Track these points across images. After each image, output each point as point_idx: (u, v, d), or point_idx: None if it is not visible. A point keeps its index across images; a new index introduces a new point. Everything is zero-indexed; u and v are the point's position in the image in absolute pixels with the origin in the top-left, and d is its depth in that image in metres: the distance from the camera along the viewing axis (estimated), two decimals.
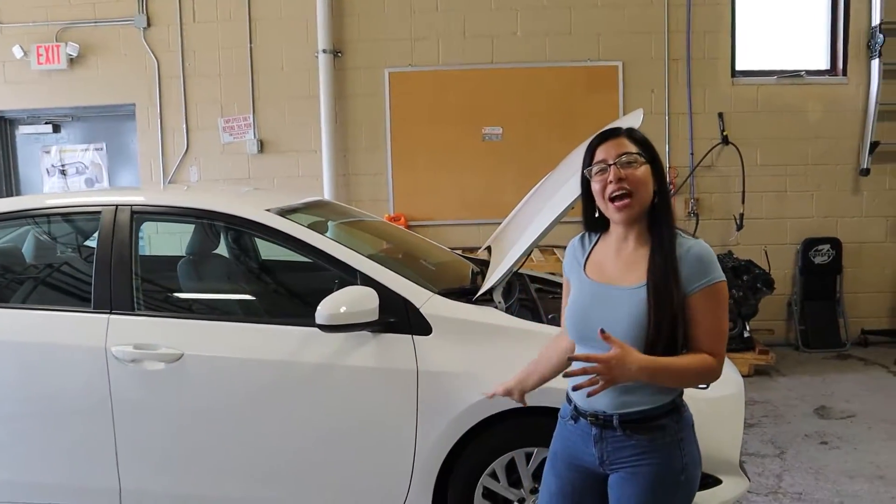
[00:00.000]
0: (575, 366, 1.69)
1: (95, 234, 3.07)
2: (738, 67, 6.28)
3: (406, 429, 2.75)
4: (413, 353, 2.75)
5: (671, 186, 6.18)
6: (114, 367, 2.83)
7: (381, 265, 2.89)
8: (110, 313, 2.91)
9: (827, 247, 6.20)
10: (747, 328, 5.61)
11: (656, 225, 1.83)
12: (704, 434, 2.81)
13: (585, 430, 1.89)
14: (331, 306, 2.62)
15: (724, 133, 6.12)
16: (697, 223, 6.21)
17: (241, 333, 2.86)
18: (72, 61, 6.18)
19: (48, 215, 3.31)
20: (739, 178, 6.15)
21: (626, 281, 1.83)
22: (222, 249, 3.72)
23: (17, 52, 6.16)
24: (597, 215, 1.94)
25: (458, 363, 2.74)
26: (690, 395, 2.80)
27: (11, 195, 6.50)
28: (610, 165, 1.82)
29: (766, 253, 6.09)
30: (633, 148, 1.84)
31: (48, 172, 6.50)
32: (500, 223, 6.03)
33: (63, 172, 6.48)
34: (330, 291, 2.73)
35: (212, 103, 6.15)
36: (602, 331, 1.68)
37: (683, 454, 1.83)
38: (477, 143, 6.07)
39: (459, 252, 4.35)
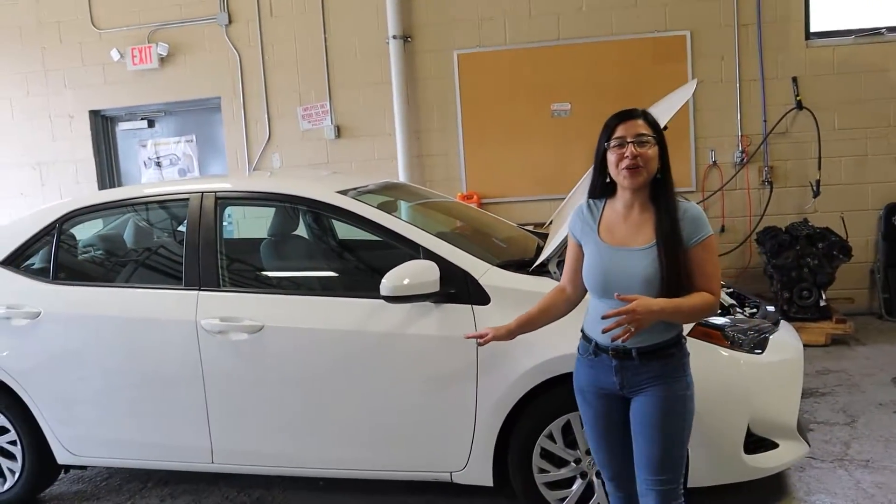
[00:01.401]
0: (609, 322, 2.09)
1: (185, 219, 3.39)
2: (813, 29, 6.11)
3: (467, 393, 2.95)
4: (473, 321, 2.93)
5: (744, 155, 6.11)
6: (203, 338, 3.15)
7: (443, 241, 3.08)
8: (199, 290, 3.23)
9: None
10: (823, 297, 5.52)
11: (661, 193, 2.20)
12: (761, 398, 2.94)
13: (607, 363, 2.25)
14: (395, 278, 2.84)
15: (798, 98, 6.00)
16: (771, 191, 6.13)
17: (316, 306, 3.12)
18: (162, 60, 6.62)
19: (145, 203, 3.67)
20: (815, 144, 6.02)
21: (636, 242, 2.20)
22: (301, 230, 4.00)
23: (115, 54, 6.64)
24: (608, 181, 2.27)
25: None
26: (749, 361, 2.92)
27: (114, 187, 7.04)
28: (628, 143, 2.15)
29: (842, 220, 5.96)
30: (647, 130, 2.17)
31: (145, 165, 7.00)
32: (565, 197, 6.19)
33: (158, 164, 6.96)
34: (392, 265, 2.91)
35: (291, 93, 6.47)
36: (617, 295, 2.09)
37: (686, 374, 2.25)
38: (546, 119, 6.17)
39: (529, 228, 4.48)
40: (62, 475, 3.79)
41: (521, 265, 3.18)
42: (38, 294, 3.45)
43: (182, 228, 3.49)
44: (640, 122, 2.18)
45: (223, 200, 3.40)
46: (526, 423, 2.97)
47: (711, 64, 6.10)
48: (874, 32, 5.99)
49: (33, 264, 3.62)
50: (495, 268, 3.05)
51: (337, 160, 6.43)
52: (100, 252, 3.80)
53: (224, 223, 3.44)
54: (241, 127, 6.56)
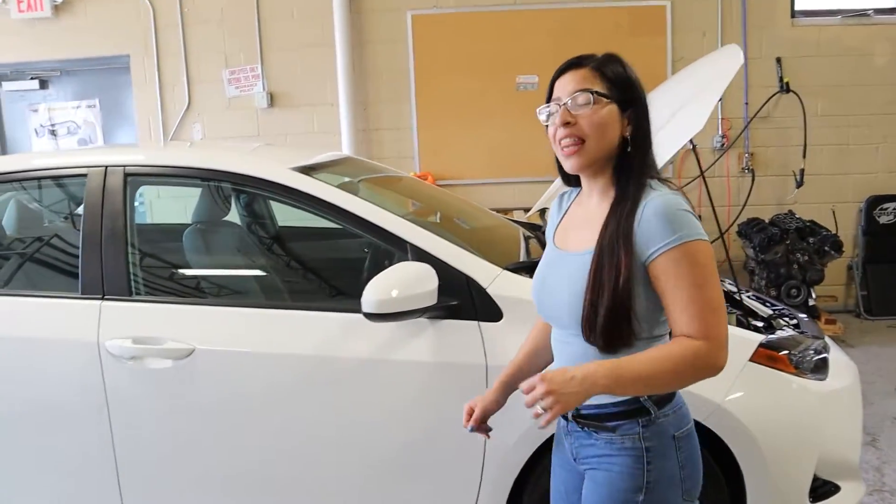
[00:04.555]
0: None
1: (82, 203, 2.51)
2: (798, 7, 5.65)
3: (471, 440, 2.23)
4: (480, 343, 2.22)
5: (724, 140, 5.60)
6: (109, 366, 2.30)
7: (439, 236, 2.34)
8: (102, 299, 2.38)
9: (893, 205, 5.67)
10: (813, 295, 5.09)
11: (623, 177, 1.50)
12: (829, 434, 2.41)
13: (561, 422, 1.64)
14: (380, 290, 2.08)
15: (785, 80, 5.51)
16: (753, 179, 5.64)
17: (267, 322, 2.33)
18: (57, 8, 5.56)
19: (20, 180, 2.73)
20: (798, 130, 5.56)
21: (576, 245, 1.55)
22: (233, 218, 3.20)
23: None
24: None
25: None
26: (816, 390, 2.38)
27: None
28: (561, 106, 1.50)
29: (833, 212, 5.54)
30: (595, 84, 1.48)
31: (37, 133, 5.92)
32: (536, 182, 5.54)
33: (53, 133, 5.90)
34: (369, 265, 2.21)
35: (215, 53, 5.54)
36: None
37: (648, 469, 1.49)
38: (510, 93, 5.47)
39: (508, 217, 3.81)
40: None
41: (531, 267, 2.50)
42: None
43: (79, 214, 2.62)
44: (586, 72, 1.50)
45: (135, 178, 2.54)
46: (545, 473, 2.28)
47: (692, 39, 5.55)
48: (861, 14, 5.58)
49: None
50: (506, 272, 2.33)
51: (269, 132, 5.55)
52: None
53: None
54: (155, 91, 5.58)
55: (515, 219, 3.68)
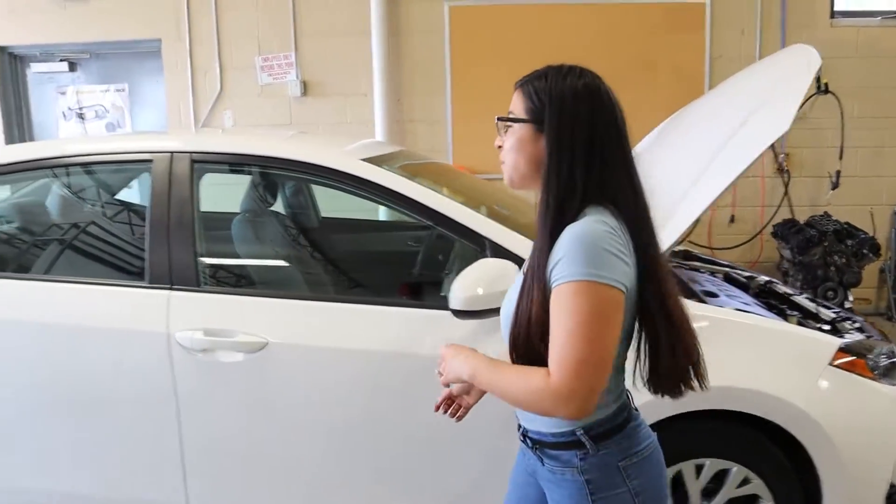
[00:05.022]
0: None
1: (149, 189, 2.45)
2: (838, 7, 5.58)
3: None
4: None
5: None
6: (179, 359, 2.25)
7: (517, 232, 2.30)
8: (171, 289, 2.32)
9: None
10: (850, 298, 5.04)
11: (546, 200, 1.42)
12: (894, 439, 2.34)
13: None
14: (467, 287, 2.03)
15: (824, 81, 5.44)
16: (788, 180, 5.58)
17: (340, 317, 2.28)
18: None
19: (87, 164, 2.65)
20: (835, 132, 5.50)
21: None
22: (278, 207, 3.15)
23: None
24: None
25: None
26: (878, 391, 2.32)
27: (24, 141, 5.86)
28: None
29: (871, 215, 5.49)
30: (514, 105, 1.48)
31: (64, 116, 5.84)
32: None
33: (81, 116, 5.82)
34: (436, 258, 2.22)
35: (248, 39, 5.45)
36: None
37: (592, 500, 1.45)
38: None
39: None
40: None
41: None
42: None
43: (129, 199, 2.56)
44: (517, 93, 1.49)
45: (201, 165, 2.48)
46: None
47: (730, 37, 5.48)
48: None
49: None
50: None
51: (301, 121, 5.46)
52: (20, 229, 2.82)
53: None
54: (187, 77, 5.50)
55: None
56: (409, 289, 2.73)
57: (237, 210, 3.12)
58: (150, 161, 2.47)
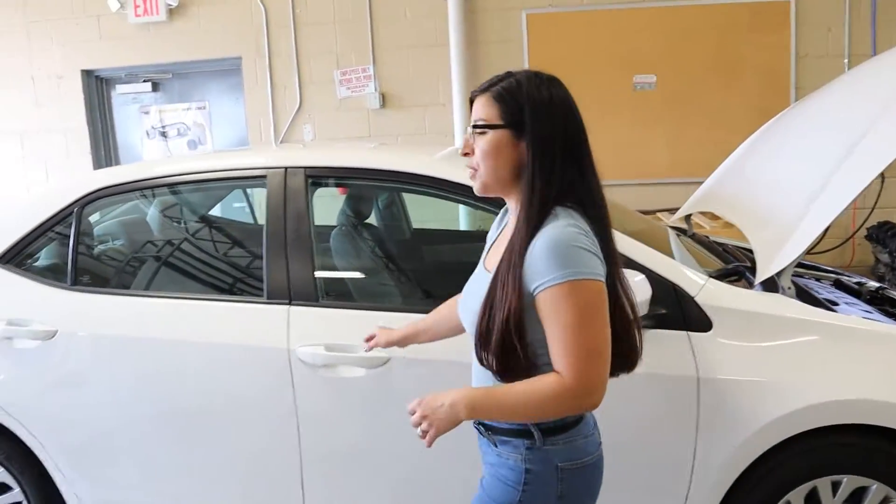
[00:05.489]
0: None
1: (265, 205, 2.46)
2: None
3: (680, 449, 2.13)
4: (691, 354, 2.10)
5: None
6: (300, 375, 2.24)
7: (640, 242, 2.23)
8: (290, 304, 2.32)
9: None
10: None
11: (524, 203, 1.48)
12: None
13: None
14: None
15: None
16: (883, 181, 5.34)
17: None
18: (171, 12, 5.61)
19: (198, 181, 2.67)
20: None
21: (492, 265, 1.53)
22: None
23: (113, 4, 5.62)
24: None
25: (749, 369, 2.09)
26: None
27: (110, 160, 6.03)
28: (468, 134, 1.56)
29: None
30: (485, 112, 1.51)
31: (148, 135, 5.99)
32: (654, 184, 5.38)
33: (164, 134, 5.96)
34: None
35: (326, 54, 5.51)
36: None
37: (523, 489, 1.51)
38: (627, 93, 5.32)
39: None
40: None
41: (726, 274, 2.39)
42: (52, 306, 2.51)
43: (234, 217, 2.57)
44: (482, 99, 1.53)
45: (315, 179, 2.48)
46: (756, 492, 2.16)
47: (817, 35, 5.31)
48: None
49: (39, 263, 2.68)
50: (713, 280, 2.22)
51: (381, 133, 5.49)
52: (136, 248, 2.87)
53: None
54: (266, 92, 5.58)
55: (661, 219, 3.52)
56: None
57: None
58: (263, 177, 2.48)
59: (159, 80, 5.96)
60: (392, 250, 3.14)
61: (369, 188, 3.09)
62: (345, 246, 3.00)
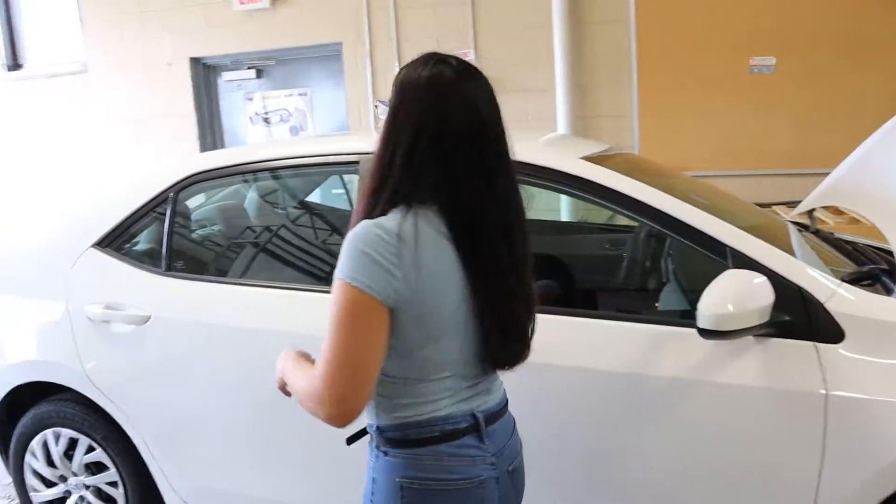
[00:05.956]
0: None
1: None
2: None
3: (801, 478, 1.89)
4: (818, 368, 1.87)
5: None
6: None
7: (762, 239, 2.01)
8: None
9: None
10: None
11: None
12: None
13: None
14: (718, 304, 1.77)
15: None
16: None
17: (564, 331, 2.07)
18: (274, 0, 5.65)
19: (305, 166, 2.58)
20: None
21: None
22: None
23: None
24: None
25: (886, 388, 1.83)
26: None
27: (216, 146, 6.17)
28: None
29: None
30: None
31: (251, 121, 6.07)
32: (771, 174, 5.01)
33: (266, 120, 6.03)
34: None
35: (426, 38, 5.40)
36: None
37: (371, 499, 1.43)
38: (742, 76, 4.94)
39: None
40: None
41: (860, 278, 2.12)
42: (147, 291, 2.52)
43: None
44: None
45: None
46: None
47: None
48: None
49: (137, 248, 2.71)
50: (846, 284, 1.97)
51: None
52: (231, 234, 2.85)
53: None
54: (366, 78, 5.53)
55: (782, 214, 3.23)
56: (620, 299, 2.51)
57: None
58: (356, 163, 2.40)
59: (263, 66, 6.02)
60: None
61: None
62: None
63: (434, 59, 1.40)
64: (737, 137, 4.96)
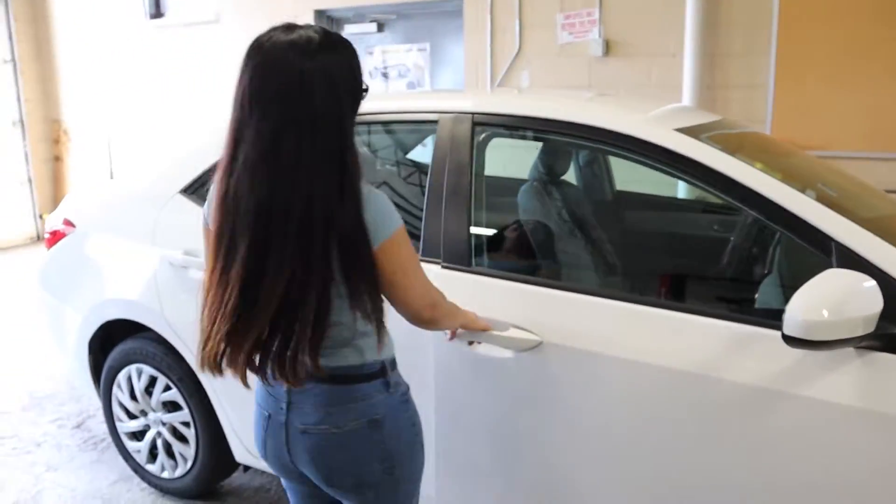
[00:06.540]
0: None
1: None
2: None
3: None
4: None
5: None
6: (439, 348, 2.04)
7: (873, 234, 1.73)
8: (441, 266, 2.11)
9: None
10: None
11: None
12: None
13: None
14: (811, 308, 1.53)
15: None
16: None
17: (623, 320, 1.90)
18: None
19: (376, 122, 2.53)
20: None
21: None
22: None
23: None
24: None
25: None
26: None
27: None
28: None
29: None
30: None
31: (370, 75, 6.05)
32: None
33: (385, 75, 5.99)
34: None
35: None
36: None
37: None
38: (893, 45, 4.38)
39: None
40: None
41: None
42: None
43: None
44: None
45: (483, 127, 2.24)
46: None
47: None
48: None
49: None
50: None
51: (601, 82, 5.05)
52: None
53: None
54: (486, 36, 5.36)
55: None
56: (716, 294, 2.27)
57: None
58: (435, 122, 2.28)
59: (385, 20, 5.96)
60: (583, 216, 2.82)
61: (564, 143, 2.78)
62: (531, 205, 2.75)
63: (287, 27, 1.51)
64: (889, 114, 4.42)
